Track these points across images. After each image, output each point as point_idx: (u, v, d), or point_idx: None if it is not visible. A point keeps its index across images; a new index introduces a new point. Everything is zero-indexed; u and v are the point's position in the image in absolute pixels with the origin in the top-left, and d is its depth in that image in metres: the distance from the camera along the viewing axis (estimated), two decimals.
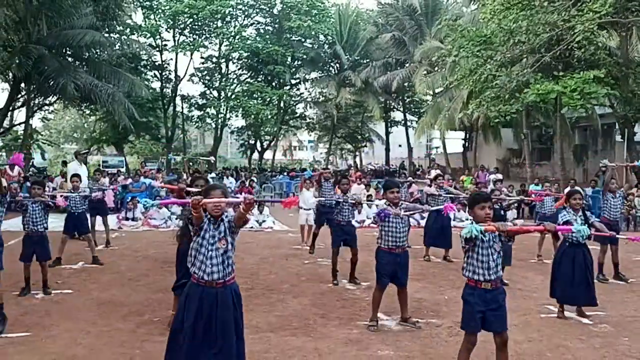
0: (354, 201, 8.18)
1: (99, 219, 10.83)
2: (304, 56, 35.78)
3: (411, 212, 6.04)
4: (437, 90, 32.26)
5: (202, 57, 37.13)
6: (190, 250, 3.82)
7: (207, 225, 3.77)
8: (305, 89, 41.56)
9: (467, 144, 36.97)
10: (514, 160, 34.45)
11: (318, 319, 6.14)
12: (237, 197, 3.77)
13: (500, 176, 20.58)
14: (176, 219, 13.92)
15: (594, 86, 15.64)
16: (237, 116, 37.56)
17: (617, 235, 6.62)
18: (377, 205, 13.95)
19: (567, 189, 16.10)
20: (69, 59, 24.38)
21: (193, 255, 3.79)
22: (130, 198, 15.26)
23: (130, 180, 18.84)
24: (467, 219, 14.81)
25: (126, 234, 13.01)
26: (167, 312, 6.00)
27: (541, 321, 6.17)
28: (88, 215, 9.83)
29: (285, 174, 33.07)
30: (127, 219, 14.18)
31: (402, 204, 6.01)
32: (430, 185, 10.75)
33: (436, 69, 27.58)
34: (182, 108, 38.69)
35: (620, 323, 6.10)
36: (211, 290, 3.73)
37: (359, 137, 44.02)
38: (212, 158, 24.47)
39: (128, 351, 5.05)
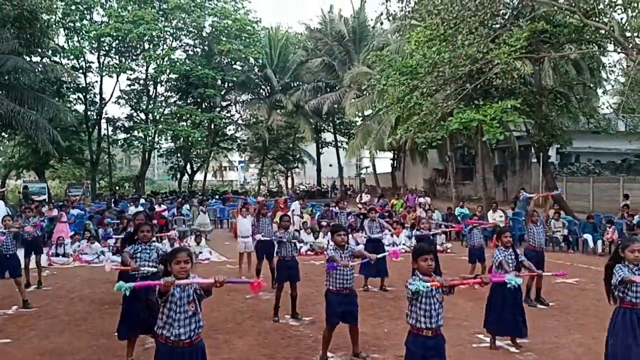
0: (295, 240, 8.42)
1: (33, 257, 10.48)
2: (235, 79, 35.95)
3: (357, 262, 6.34)
4: (366, 113, 33.27)
5: (128, 79, 36.51)
6: (159, 315, 3.94)
7: (174, 289, 3.91)
8: (236, 111, 41.73)
9: (395, 165, 38.18)
10: (440, 180, 35.95)
11: None
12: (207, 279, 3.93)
13: (428, 199, 21.53)
14: (109, 253, 13.62)
15: (512, 115, 16.82)
16: (166, 139, 37.01)
17: (544, 274, 7.47)
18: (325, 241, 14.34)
19: (490, 212, 17.15)
20: None
21: (162, 319, 3.93)
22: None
23: (56, 211, 18.17)
24: (403, 244, 15.44)
25: (57, 271, 12.55)
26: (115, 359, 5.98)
27: (473, 351, 6.62)
28: (21, 256, 9.50)
29: (217, 197, 32.84)
30: (56, 254, 13.68)
31: (349, 247, 6.31)
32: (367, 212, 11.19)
33: (365, 93, 28.46)
34: (108, 131, 37.69)
35: (543, 351, 6.64)
36: (179, 350, 3.89)
37: (291, 157, 44.49)
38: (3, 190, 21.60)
39: None
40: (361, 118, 35.11)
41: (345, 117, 36.69)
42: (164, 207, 20.47)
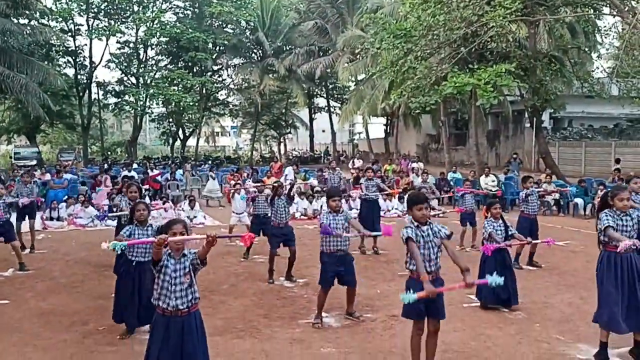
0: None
1: (26, 222, 10.51)
2: (226, 42, 35.39)
3: (351, 235, 6.35)
4: (359, 78, 33.00)
5: (118, 43, 35.93)
6: (155, 286, 3.98)
7: (167, 260, 3.94)
8: (228, 75, 41.23)
9: (388, 130, 38.11)
10: (433, 146, 35.98)
11: (261, 320, 6.42)
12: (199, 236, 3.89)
13: (421, 165, 21.56)
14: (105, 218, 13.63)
15: (506, 79, 16.72)
16: (157, 104, 36.64)
17: (533, 241, 7.85)
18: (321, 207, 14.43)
19: (483, 177, 17.23)
20: None
21: (157, 290, 3.96)
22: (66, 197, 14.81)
23: (49, 175, 18.13)
24: (395, 208, 15.55)
25: (52, 235, 12.61)
26: (112, 321, 6.06)
27: (464, 311, 6.76)
28: (14, 220, 9.51)
29: (210, 163, 32.79)
30: (51, 218, 13.70)
31: (343, 212, 6.37)
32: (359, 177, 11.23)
33: (358, 57, 28.19)
34: (98, 95, 37.28)
35: (532, 310, 6.79)
36: (177, 319, 3.93)
37: (283, 123, 44.23)
38: None
39: None
40: (354, 83, 34.86)
41: (338, 81, 36.39)
42: (157, 171, 20.47)
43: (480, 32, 16.77)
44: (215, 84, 37.99)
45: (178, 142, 42.25)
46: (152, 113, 39.62)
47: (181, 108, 33.49)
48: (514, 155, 22.90)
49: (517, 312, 6.71)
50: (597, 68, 23.85)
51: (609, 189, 5.18)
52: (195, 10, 36.11)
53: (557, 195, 16.03)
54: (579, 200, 15.86)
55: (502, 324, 6.33)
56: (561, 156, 26.08)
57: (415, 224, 4.54)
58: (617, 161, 20.16)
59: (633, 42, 15.61)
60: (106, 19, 34.12)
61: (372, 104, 28.64)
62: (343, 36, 30.99)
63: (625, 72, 18.00)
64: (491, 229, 6.87)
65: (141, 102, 34.52)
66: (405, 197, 15.74)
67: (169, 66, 37.05)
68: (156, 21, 32.97)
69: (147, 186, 15.51)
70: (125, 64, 36.32)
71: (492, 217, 7.05)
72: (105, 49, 52.21)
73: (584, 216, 15.26)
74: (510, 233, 7.04)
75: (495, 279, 4.30)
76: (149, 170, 20.58)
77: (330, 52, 34.67)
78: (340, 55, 31.98)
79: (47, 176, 17.93)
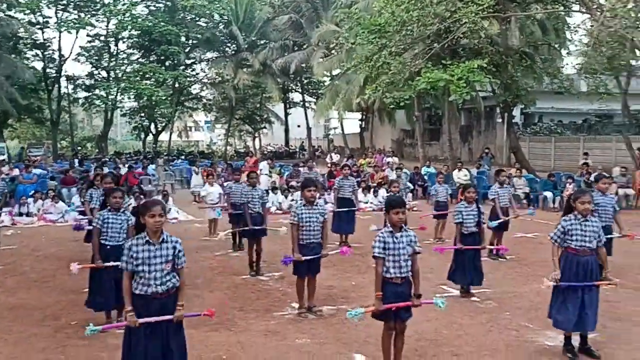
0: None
1: None
2: (199, 36, 35.09)
3: (317, 256, 6.31)
4: (334, 73, 33.03)
5: (88, 36, 35.25)
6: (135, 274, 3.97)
7: (148, 246, 3.94)
8: (201, 69, 40.87)
9: (363, 125, 38.26)
10: (407, 141, 36.28)
11: (236, 313, 6.43)
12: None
13: (396, 159, 21.74)
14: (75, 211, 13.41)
15: (478, 74, 16.94)
16: (129, 98, 36.10)
17: (487, 247, 7.99)
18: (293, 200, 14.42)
19: (456, 171, 17.47)
20: None
21: (136, 280, 3.95)
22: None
23: (17, 170, 17.78)
24: (370, 202, 15.64)
25: (21, 230, 12.36)
26: (84, 315, 6.00)
27: None
28: None
29: (183, 158, 32.50)
30: (20, 214, 13.41)
31: (318, 204, 6.40)
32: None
33: (333, 52, 28.21)
34: (68, 89, 36.55)
35: (502, 299, 6.95)
36: (155, 301, 3.95)
37: (258, 118, 44.03)
38: None
39: (51, 356, 5.07)
40: (329, 78, 34.87)
41: (313, 76, 36.37)
42: (139, 170, 20.20)
43: (453, 28, 16.95)
44: (188, 78, 37.64)
45: (150, 137, 41.75)
46: (124, 107, 39.05)
47: (153, 102, 33.09)
48: (486, 150, 23.26)
49: (487, 301, 6.86)
50: (567, 64, 24.38)
51: (572, 195, 5.34)
52: (168, 3, 35.66)
53: (526, 189, 16.36)
54: (548, 194, 16.18)
55: (473, 312, 6.46)
56: (531, 151, 26.58)
57: (390, 229, 4.59)
58: (586, 155, 20.61)
59: (601, 39, 15.96)
60: (76, 12, 33.42)
61: (347, 99, 28.73)
62: (318, 31, 30.96)
63: (594, 69, 18.43)
64: (463, 216, 6.98)
65: (112, 96, 33.95)
66: (380, 191, 15.93)
67: (140, 60, 36.54)
68: (127, 14, 32.43)
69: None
70: (95, 58, 35.68)
71: (466, 201, 7.11)
72: (75, 42, 51.41)
73: (553, 209, 15.58)
74: (482, 222, 7.14)
75: (439, 301, 4.65)
76: (119, 166, 20.33)
77: (305, 46, 34.60)
78: (315, 50, 31.95)
79: (16, 171, 17.58)
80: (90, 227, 7.07)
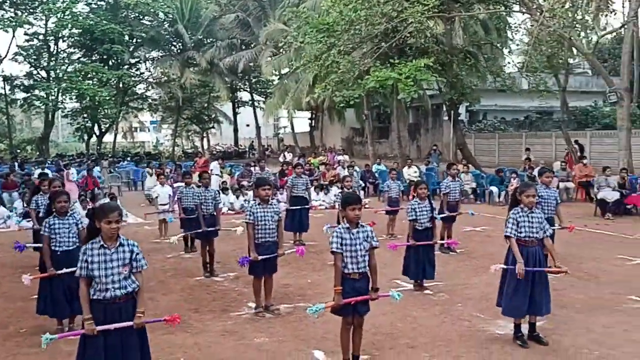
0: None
1: None
2: (144, 35, 34.33)
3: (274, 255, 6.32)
4: (283, 72, 32.98)
5: (26, 34, 33.80)
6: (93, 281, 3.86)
7: (104, 250, 3.84)
8: (146, 68, 40.02)
9: (313, 124, 38.37)
10: (357, 139, 36.64)
11: (192, 314, 6.34)
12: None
13: (347, 157, 21.92)
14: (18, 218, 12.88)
15: (425, 73, 17.30)
16: (70, 98, 34.86)
17: (438, 242, 8.16)
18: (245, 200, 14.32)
19: (406, 168, 17.76)
20: None
21: (94, 286, 3.84)
22: None
23: None
24: (322, 200, 15.69)
25: None
26: (33, 322, 5.79)
27: None
28: None
29: (129, 159, 31.70)
30: None
31: (273, 202, 6.38)
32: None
33: (282, 51, 28.17)
34: (5, 90, 34.93)
35: (454, 291, 7.15)
36: (114, 306, 3.85)
37: (206, 118, 43.45)
38: None
39: None
40: (278, 77, 34.78)
41: (262, 75, 36.20)
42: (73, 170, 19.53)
43: (400, 27, 17.26)
44: (132, 78, 36.72)
45: (94, 139, 40.48)
46: (65, 108, 37.68)
47: (97, 103, 32.06)
48: (434, 147, 23.79)
49: (440, 293, 7.03)
50: (509, 63, 25.27)
51: (518, 188, 5.56)
52: (110, 1, 34.66)
53: (473, 184, 16.84)
54: (494, 189, 16.70)
55: (426, 305, 6.61)
56: (477, 147, 27.39)
57: (347, 225, 4.63)
58: (527, 150, 21.40)
59: (541, 38, 16.61)
60: (12, 9, 32.00)
61: (297, 98, 28.76)
62: (266, 29, 30.85)
63: (534, 67, 19.15)
64: (415, 214, 7.13)
65: (53, 97, 32.69)
66: (332, 189, 16.03)
67: (82, 59, 35.35)
68: (67, 12, 31.24)
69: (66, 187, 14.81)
70: (34, 57, 34.24)
71: (419, 198, 7.31)
72: (11, 41, 49.04)
73: (499, 203, 16.09)
74: (434, 214, 7.36)
75: (395, 294, 4.82)
76: (63, 168, 19.61)
77: (253, 45, 34.40)
78: (263, 48, 31.82)
79: None
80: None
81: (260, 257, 6.08)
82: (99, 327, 3.77)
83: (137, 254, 3.96)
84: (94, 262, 3.82)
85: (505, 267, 5.30)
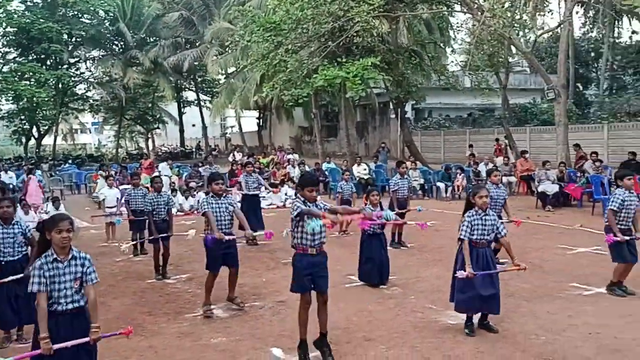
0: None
1: None
2: (83, 33, 33.27)
3: (237, 237, 6.41)
4: (230, 71, 32.68)
5: None
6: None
7: (52, 270, 3.73)
8: (87, 68, 38.76)
9: (261, 123, 38.19)
10: (306, 138, 36.72)
11: (146, 317, 6.23)
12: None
13: (297, 156, 21.94)
14: None
15: (372, 72, 17.55)
16: (6, 100, 33.38)
17: (408, 222, 8.75)
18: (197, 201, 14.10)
19: (355, 166, 17.94)
20: None
21: (49, 292, 3.73)
22: None
23: None
24: (285, 199, 15.67)
25: None
26: None
27: (346, 291, 7.09)
28: None
29: (71, 162, 30.66)
30: None
31: (228, 197, 6.39)
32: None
33: (228, 50, 27.92)
34: None
35: (406, 285, 7.31)
36: (66, 316, 3.76)
37: (150, 118, 42.44)
38: None
39: None
40: (225, 76, 34.44)
41: (207, 74, 35.72)
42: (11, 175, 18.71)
43: (347, 26, 17.43)
44: (72, 78, 35.47)
45: (32, 141, 38.88)
46: (1, 110, 36.04)
47: (34, 104, 30.84)
48: (382, 145, 24.14)
49: (393, 287, 7.18)
50: (452, 62, 25.94)
51: (470, 189, 5.77)
52: None
53: (421, 180, 17.20)
54: (441, 185, 17.12)
55: (381, 299, 6.74)
56: (423, 144, 28.01)
57: (303, 200, 4.74)
58: (470, 147, 22.06)
59: (482, 37, 17.14)
60: None
61: (244, 97, 28.55)
62: (211, 28, 30.47)
63: (476, 66, 19.77)
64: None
65: None
66: (283, 188, 16.05)
67: (18, 59, 33.86)
68: (1, 9, 29.87)
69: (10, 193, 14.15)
70: None
71: (371, 205, 7.53)
72: None
73: (446, 198, 16.52)
74: (387, 216, 7.47)
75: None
76: (1, 172, 18.76)
77: (198, 44, 33.90)
78: (208, 47, 31.42)
79: None
80: None
81: (226, 238, 6.06)
82: (56, 346, 3.66)
83: (88, 267, 3.88)
84: (46, 276, 3.73)
85: (465, 274, 5.32)
